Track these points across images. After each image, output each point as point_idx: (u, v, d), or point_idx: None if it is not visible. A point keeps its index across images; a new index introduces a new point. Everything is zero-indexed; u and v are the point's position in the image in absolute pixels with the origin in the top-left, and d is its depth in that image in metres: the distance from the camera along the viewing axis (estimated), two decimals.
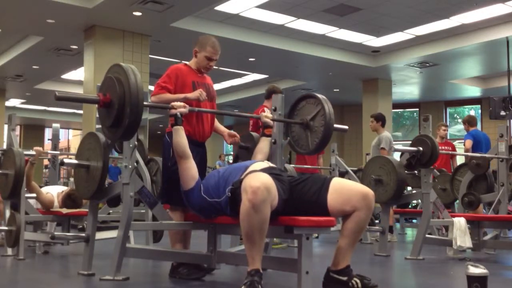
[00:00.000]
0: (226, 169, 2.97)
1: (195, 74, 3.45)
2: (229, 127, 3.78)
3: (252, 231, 2.48)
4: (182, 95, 3.25)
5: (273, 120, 3.39)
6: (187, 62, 3.52)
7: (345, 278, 2.70)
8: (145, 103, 2.85)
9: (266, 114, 3.39)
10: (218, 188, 2.88)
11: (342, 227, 2.76)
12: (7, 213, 4.17)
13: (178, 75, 3.36)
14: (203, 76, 3.51)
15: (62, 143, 22.81)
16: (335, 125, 3.41)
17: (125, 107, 2.71)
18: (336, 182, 2.77)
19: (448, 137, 13.97)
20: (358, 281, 2.67)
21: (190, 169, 3.01)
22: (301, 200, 2.74)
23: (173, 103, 3.07)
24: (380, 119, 6.75)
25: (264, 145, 3.35)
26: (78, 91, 12.39)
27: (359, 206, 2.67)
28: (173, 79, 3.34)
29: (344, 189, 2.73)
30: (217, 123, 3.67)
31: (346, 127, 4.34)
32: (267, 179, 2.54)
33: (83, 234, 3.32)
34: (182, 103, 3.07)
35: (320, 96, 3.42)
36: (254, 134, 3.81)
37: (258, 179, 2.51)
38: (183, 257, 3.29)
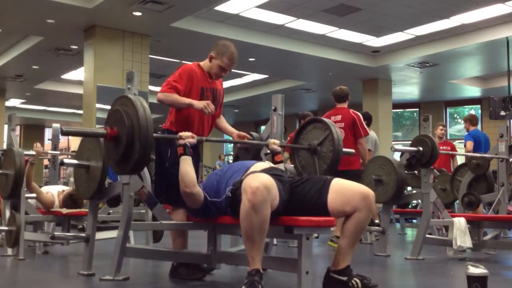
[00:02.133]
0: (227, 170, 2.96)
1: (206, 79, 3.38)
2: None
3: (252, 231, 2.48)
4: (187, 101, 3.20)
5: (281, 146, 3.35)
6: (200, 63, 3.42)
7: (345, 278, 2.70)
8: (154, 135, 2.75)
9: (274, 141, 3.33)
10: (218, 188, 2.88)
11: (342, 227, 2.76)
12: (7, 213, 4.17)
13: (190, 76, 3.29)
14: (213, 80, 3.43)
15: (62, 143, 22.80)
16: (344, 149, 3.37)
17: (134, 142, 2.63)
18: (337, 183, 2.76)
19: (448, 137, 14.00)
20: (358, 281, 2.68)
21: (199, 197, 2.93)
22: (301, 201, 2.74)
23: (181, 134, 3.00)
24: (366, 118, 6.63)
25: None
26: (78, 91, 12.40)
27: (360, 206, 2.67)
28: (184, 80, 3.27)
29: (344, 190, 2.73)
30: (225, 124, 3.64)
31: (353, 150, 4.36)
32: (267, 179, 2.54)
33: (83, 234, 3.32)
34: (190, 133, 3.02)
35: (327, 121, 3.39)
36: (254, 134, 3.81)
37: (257, 179, 2.51)
38: (183, 257, 3.29)
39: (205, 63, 3.41)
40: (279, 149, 3.32)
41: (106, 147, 2.87)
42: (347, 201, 2.69)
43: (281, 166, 3.25)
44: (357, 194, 2.70)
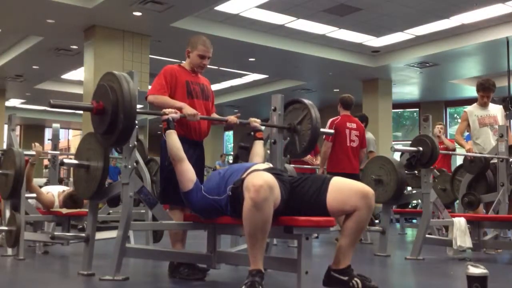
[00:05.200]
0: (226, 170, 2.97)
1: (189, 74, 3.49)
2: None
3: (254, 230, 2.48)
4: (177, 104, 3.25)
5: (262, 124, 3.49)
6: (181, 63, 3.56)
7: (346, 278, 2.70)
8: (138, 110, 2.89)
9: (255, 119, 3.47)
10: (219, 187, 2.88)
11: (342, 226, 2.76)
12: (7, 213, 4.17)
13: (172, 74, 3.40)
14: (197, 76, 3.55)
15: (62, 143, 22.80)
16: (322, 129, 3.59)
17: (118, 114, 2.75)
18: (336, 182, 2.76)
19: (448, 137, 13.95)
20: (358, 281, 2.67)
21: (187, 172, 3.00)
22: (301, 200, 2.73)
23: (164, 110, 3.12)
24: (363, 119, 6.76)
25: (258, 148, 3.41)
26: (78, 91, 12.39)
27: (359, 205, 2.66)
28: (168, 79, 3.37)
29: (343, 189, 2.72)
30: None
31: (332, 131, 4.88)
32: (270, 178, 2.54)
33: (83, 234, 3.32)
34: (173, 109, 3.13)
35: (306, 101, 3.58)
36: None
37: (261, 178, 2.51)
38: (183, 257, 3.29)
39: (186, 62, 3.55)
40: (260, 126, 3.46)
41: (93, 120, 2.98)
42: (346, 200, 2.68)
43: (260, 143, 3.39)
44: (356, 192, 2.69)
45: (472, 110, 5.68)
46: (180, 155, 3.03)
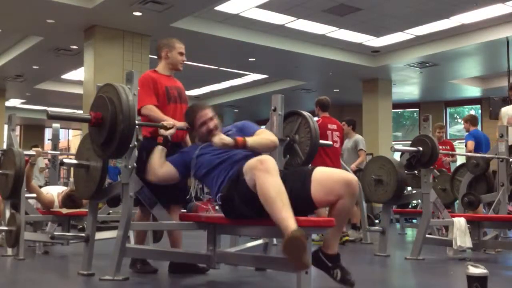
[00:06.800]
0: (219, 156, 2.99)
1: (167, 79, 3.52)
2: None
3: (274, 192, 2.44)
4: (171, 122, 3.23)
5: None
6: (155, 69, 3.58)
7: (330, 265, 2.74)
8: (137, 122, 2.91)
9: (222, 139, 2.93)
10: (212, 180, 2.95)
11: (328, 215, 2.75)
12: (7, 213, 4.17)
13: (153, 82, 3.42)
14: (173, 79, 3.59)
15: (62, 143, 22.80)
16: (320, 141, 3.73)
17: (117, 125, 2.75)
18: (318, 173, 2.72)
19: (448, 137, 13.98)
20: (339, 272, 2.70)
21: (168, 172, 3.13)
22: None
23: (163, 123, 3.15)
24: (351, 123, 6.96)
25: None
26: (78, 91, 12.40)
27: (343, 193, 2.64)
28: (152, 88, 3.39)
29: (326, 179, 2.69)
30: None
31: (331, 142, 4.88)
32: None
33: (83, 234, 3.32)
34: (172, 123, 3.17)
35: (297, 111, 3.68)
36: None
37: (260, 156, 2.60)
38: (183, 257, 3.29)
39: (160, 66, 3.59)
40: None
41: (91, 131, 2.98)
42: (329, 190, 2.66)
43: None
44: (339, 181, 2.66)
45: (506, 109, 5.75)
46: (154, 172, 3.15)
